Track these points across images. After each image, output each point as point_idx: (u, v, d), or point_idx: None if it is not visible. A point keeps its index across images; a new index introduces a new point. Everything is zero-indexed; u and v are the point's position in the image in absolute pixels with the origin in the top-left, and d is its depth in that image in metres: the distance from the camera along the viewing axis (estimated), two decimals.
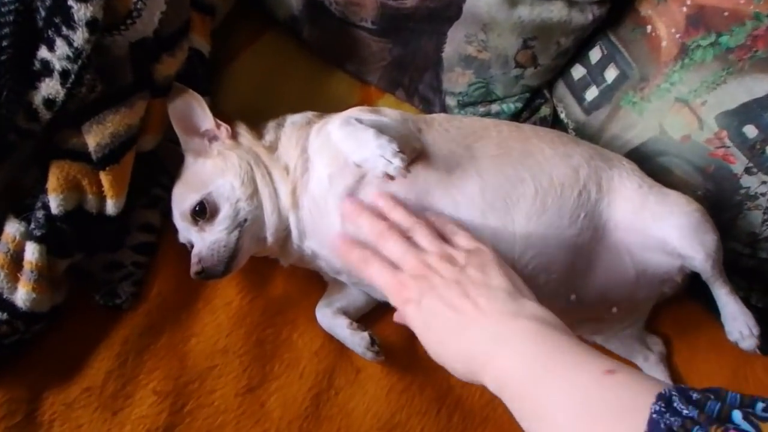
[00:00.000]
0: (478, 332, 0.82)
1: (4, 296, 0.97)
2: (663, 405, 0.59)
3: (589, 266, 1.15)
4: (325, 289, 1.27)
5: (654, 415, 0.59)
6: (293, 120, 1.20)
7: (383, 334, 1.24)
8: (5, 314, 0.97)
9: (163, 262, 1.19)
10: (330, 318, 1.20)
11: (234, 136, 1.16)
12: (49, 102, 0.92)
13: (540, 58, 1.39)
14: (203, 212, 1.08)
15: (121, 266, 1.12)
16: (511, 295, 0.84)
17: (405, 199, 1.06)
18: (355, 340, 1.16)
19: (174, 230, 1.16)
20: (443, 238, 0.98)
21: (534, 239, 1.10)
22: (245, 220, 1.09)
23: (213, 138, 1.16)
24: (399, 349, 1.24)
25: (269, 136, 1.18)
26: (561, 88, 1.53)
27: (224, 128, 1.15)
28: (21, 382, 1.05)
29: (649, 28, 1.31)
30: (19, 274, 0.98)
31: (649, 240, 1.14)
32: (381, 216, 1.02)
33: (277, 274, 1.26)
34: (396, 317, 0.99)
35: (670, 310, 1.38)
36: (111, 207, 1.03)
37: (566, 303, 1.15)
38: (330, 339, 1.22)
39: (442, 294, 0.87)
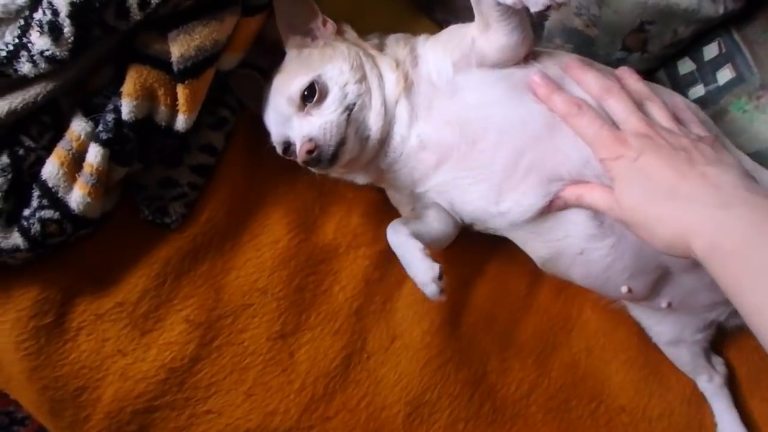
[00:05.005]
0: (700, 195, 0.80)
1: (59, 195, 0.99)
2: None
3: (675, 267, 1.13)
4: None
5: None
6: (396, 36, 1.23)
7: (430, 305, 1.24)
8: (57, 213, 0.99)
9: (217, 189, 1.20)
10: (403, 236, 1.11)
11: (340, 32, 1.20)
12: (143, 2, 0.92)
13: (650, 45, 1.36)
14: (312, 95, 1.09)
15: (177, 185, 1.13)
16: (746, 175, 0.82)
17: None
18: (424, 266, 1.06)
19: (261, 133, 1.17)
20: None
21: None
22: (354, 104, 1.10)
23: (316, 37, 1.18)
24: (443, 322, 1.24)
25: (374, 40, 1.21)
26: (661, 80, 1.49)
27: (330, 24, 1.18)
28: (57, 283, 1.08)
29: None
30: (77, 175, 1.00)
31: None
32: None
33: (329, 221, 1.27)
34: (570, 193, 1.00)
35: (734, 337, 1.35)
36: (181, 122, 1.04)
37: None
38: (370, 300, 1.23)
39: (666, 155, 0.84)
